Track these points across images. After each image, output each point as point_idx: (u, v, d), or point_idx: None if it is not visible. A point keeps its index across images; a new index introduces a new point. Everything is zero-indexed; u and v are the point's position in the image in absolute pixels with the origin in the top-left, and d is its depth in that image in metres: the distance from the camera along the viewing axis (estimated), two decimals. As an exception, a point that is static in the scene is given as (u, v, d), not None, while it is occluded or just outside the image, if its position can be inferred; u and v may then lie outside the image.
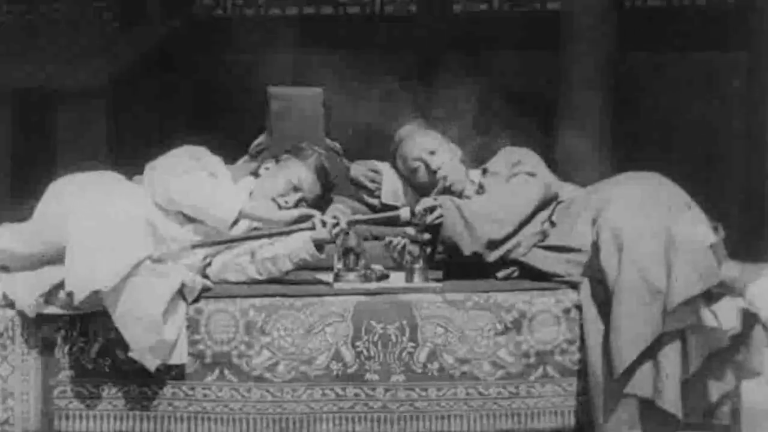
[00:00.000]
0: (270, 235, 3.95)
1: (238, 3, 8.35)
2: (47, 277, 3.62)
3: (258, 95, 4.85)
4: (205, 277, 3.90)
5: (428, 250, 4.01)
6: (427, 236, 3.98)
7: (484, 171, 4.37)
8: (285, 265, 3.93)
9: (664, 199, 3.81)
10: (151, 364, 3.57)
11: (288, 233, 3.92)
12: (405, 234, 4.02)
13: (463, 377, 3.70)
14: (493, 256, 4.00)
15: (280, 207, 4.06)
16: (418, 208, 4.01)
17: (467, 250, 3.98)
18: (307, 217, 3.92)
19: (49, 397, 3.67)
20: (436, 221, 3.98)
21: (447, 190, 4.28)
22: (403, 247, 4.03)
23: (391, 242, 4.13)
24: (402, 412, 3.68)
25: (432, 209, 3.99)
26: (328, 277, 3.94)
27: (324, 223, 3.88)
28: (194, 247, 3.88)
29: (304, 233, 3.90)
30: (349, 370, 3.67)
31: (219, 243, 3.95)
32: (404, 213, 4.02)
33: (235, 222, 3.95)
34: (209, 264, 3.98)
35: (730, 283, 3.67)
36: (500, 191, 4.16)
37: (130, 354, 3.56)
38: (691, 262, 3.57)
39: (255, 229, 4.08)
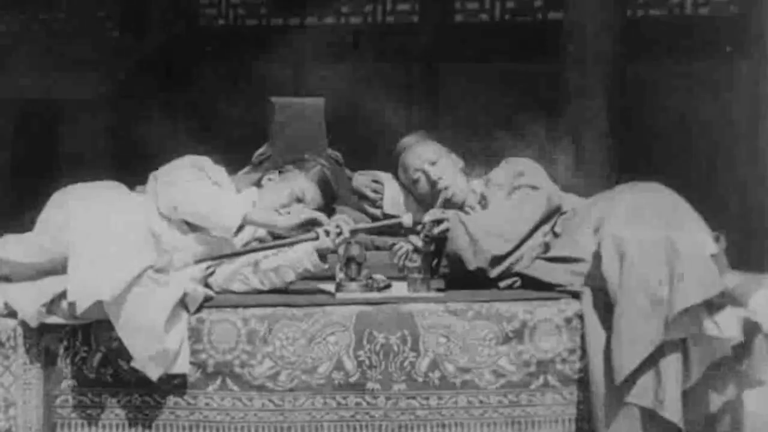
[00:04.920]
0: (273, 247, 3.95)
1: (240, 13, 8.36)
2: (49, 286, 3.62)
3: (260, 105, 4.85)
4: (207, 286, 3.90)
5: (434, 261, 4.02)
6: (431, 248, 3.99)
7: (487, 182, 4.38)
8: (288, 276, 3.93)
9: (666, 208, 3.82)
10: (153, 373, 3.57)
11: (291, 244, 3.92)
12: (410, 241, 4.03)
13: (464, 386, 3.70)
14: (496, 272, 4.01)
15: (282, 218, 4.08)
16: (426, 218, 4.01)
17: (471, 266, 3.99)
18: (313, 221, 3.92)
19: (51, 407, 3.67)
20: (442, 235, 3.98)
21: (448, 201, 4.29)
22: (406, 253, 4.03)
23: (393, 245, 4.14)
24: (403, 420, 3.69)
25: (439, 222, 4.00)
26: (330, 286, 3.94)
27: (327, 233, 3.88)
28: (197, 262, 3.89)
29: (308, 244, 3.90)
30: (351, 379, 3.68)
31: (222, 257, 3.95)
32: (406, 220, 4.03)
33: (239, 229, 3.95)
34: (211, 273, 3.99)
35: (732, 292, 3.66)
36: (504, 206, 4.17)
37: (132, 363, 3.56)
38: (693, 271, 3.57)
39: (258, 239, 4.09)
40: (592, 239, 3.87)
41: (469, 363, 3.71)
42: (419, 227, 4.00)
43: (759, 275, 3.81)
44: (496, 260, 4.01)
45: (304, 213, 3.98)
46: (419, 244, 3.97)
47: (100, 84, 7.69)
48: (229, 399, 3.68)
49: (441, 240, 4.00)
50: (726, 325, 3.60)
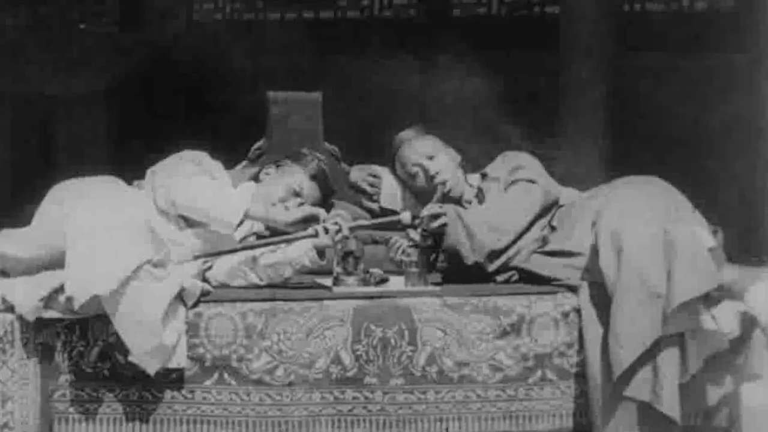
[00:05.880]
0: (272, 243, 3.95)
1: (237, 7, 8.35)
2: (47, 281, 3.62)
3: (257, 100, 4.85)
4: (205, 281, 3.90)
5: (432, 256, 4.01)
6: (429, 242, 3.99)
7: (484, 175, 4.38)
8: (286, 272, 3.93)
9: (664, 202, 3.82)
10: (151, 368, 3.56)
11: (290, 241, 3.92)
12: (407, 235, 4.03)
13: (462, 380, 3.70)
14: (493, 266, 4.01)
15: (279, 213, 4.08)
16: (424, 213, 4.01)
17: (469, 261, 3.99)
18: (313, 217, 3.92)
19: (48, 401, 3.67)
20: (439, 230, 3.98)
21: (446, 195, 4.29)
22: (403, 248, 4.03)
23: (390, 239, 4.14)
24: (400, 415, 3.69)
25: (436, 216, 3.99)
26: (327, 281, 3.94)
27: (326, 230, 3.87)
28: (196, 258, 3.88)
29: (306, 240, 3.89)
30: (348, 374, 3.68)
31: (221, 253, 3.95)
32: (405, 217, 4.02)
33: (239, 224, 3.95)
34: (209, 268, 3.99)
35: (730, 286, 3.66)
36: (501, 200, 4.17)
37: (130, 358, 3.56)
38: (691, 265, 3.57)
39: (256, 234, 4.08)
40: (589, 233, 3.87)
41: (467, 357, 3.71)
42: (417, 221, 4.00)
43: (757, 269, 3.81)
44: (494, 254, 4.01)
45: (305, 209, 3.98)
46: (417, 238, 3.97)
47: (97, 79, 7.68)
48: (227, 393, 3.68)
49: (438, 234, 4.00)
50: (723, 319, 3.61)
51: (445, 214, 4.00)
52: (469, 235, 3.98)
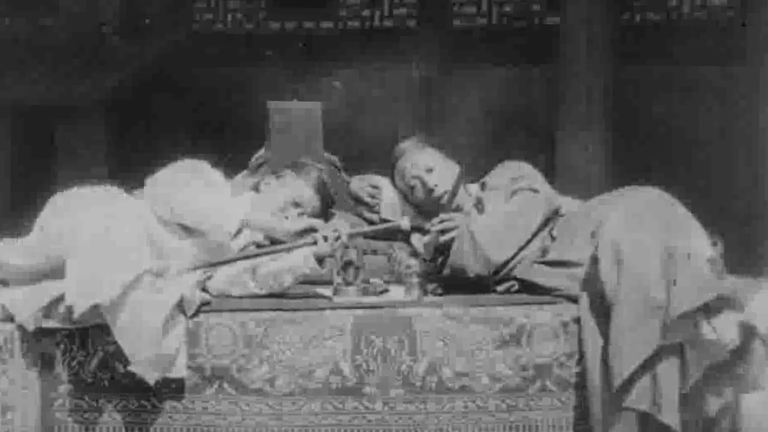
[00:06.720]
0: (272, 252, 3.95)
1: (237, 17, 8.37)
2: (47, 291, 3.62)
3: (257, 109, 4.85)
4: (205, 290, 3.90)
5: (439, 264, 4.01)
6: (437, 256, 3.99)
7: (483, 185, 4.37)
8: (286, 281, 3.93)
9: (664, 213, 3.81)
10: (151, 377, 3.56)
11: (289, 250, 3.92)
12: (411, 243, 4.03)
13: (462, 390, 3.70)
14: (495, 278, 4.01)
15: (279, 222, 4.08)
16: (433, 227, 4.01)
17: (473, 273, 3.99)
18: (312, 230, 3.92)
19: (48, 411, 3.67)
20: (448, 244, 3.98)
21: (444, 207, 4.28)
22: (404, 263, 4.02)
23: (392, 255, 4.14)
24: (400, 425, 3.68)
25: (448, 228, 4.00)
26: (327, 291, 3.94)
27: (325, 238, 3.88)
28: (195, 269, 3.88)
29: (306, 249, 3.90)
30: (348, 384, 3.68)
31: (220, 263, 3.95)
32: (405, 224, 4.02)
33: (237, 233, 3.95)
34: (209, 277, 3.98)
35: (729, 296, 3.66)
36: (505, 210, 4.15)
37: (130, 367, 3.56)
38: (690, 275, 3.56)
39: (255, 243, 4.08)
40: (589, 243, 3.86)
41: (467, 367, 3.70)
42: (428, 225, 4.01)
43: (756, 279, 3.81)
44: (498, 267, 4.01)
45: (303, 221, 3.99)
46: (418, 245, 3.98)
47: (98, 89, 7.69)
48: (227, 403, 3.67)
49: (446, 246, 4.00)
50: (723, 330, 3.60)
51: (456, 228, 3.99)
52: (475, 250, 3.97)
